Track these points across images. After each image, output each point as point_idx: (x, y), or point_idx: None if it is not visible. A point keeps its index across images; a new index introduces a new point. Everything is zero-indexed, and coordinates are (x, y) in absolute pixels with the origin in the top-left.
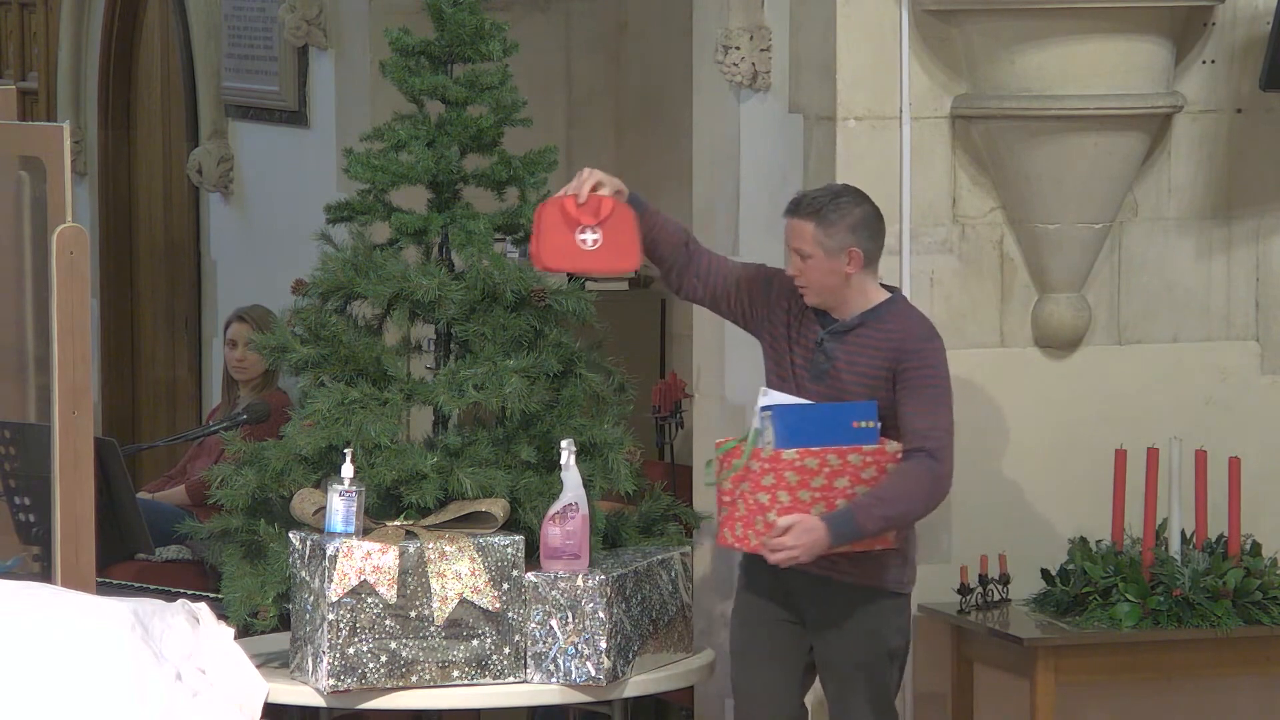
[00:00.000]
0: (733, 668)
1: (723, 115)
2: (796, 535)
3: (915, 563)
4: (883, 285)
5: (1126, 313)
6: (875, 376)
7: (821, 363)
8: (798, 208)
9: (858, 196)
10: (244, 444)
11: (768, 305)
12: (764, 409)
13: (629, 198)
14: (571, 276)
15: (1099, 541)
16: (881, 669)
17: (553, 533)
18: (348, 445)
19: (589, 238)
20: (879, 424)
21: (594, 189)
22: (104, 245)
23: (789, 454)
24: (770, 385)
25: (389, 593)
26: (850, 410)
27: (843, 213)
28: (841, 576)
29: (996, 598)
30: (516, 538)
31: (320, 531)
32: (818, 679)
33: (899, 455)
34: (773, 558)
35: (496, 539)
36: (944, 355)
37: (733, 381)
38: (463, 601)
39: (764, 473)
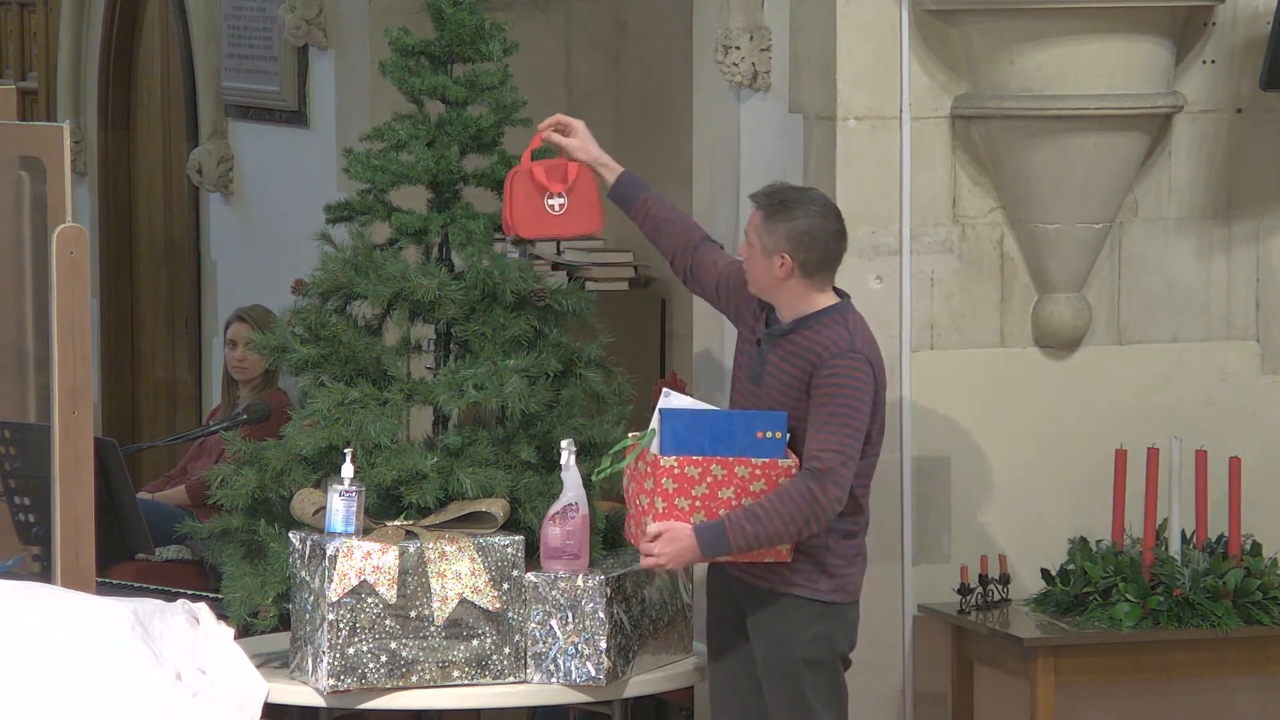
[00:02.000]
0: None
1: (723, 115)
2: (663, 543)
3: (849, 572)
4: (836, 291)
5: (1126, 313)
6: (792, 385)
7: (757, 365)
8: (760, 194)
9: (818, 207)
10: (244, 444)
11: (742, 302)
12: (661, 410)
13: (624, 177)
14: (571, 276)
15: (1099, 541)
16: (795, 676)
17: (553, 533)
18: (348, 445)
19: (555, 203)
20: (787, 436)
21: (561, 150)
22: (104, 245)
23: (667, 460)
24: (732, 380)
25: (389, 593)
26: (755, 419)
27: (788, 216)
28: (756, 581)
29: (996, 598)
30: (516, 538)
31: (320, 531)
32: None
33: (792, 470)
34: (642, 562)
35: (496, 539)
36: (861, 374)
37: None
38: (463, 601)
39: (645, 476)
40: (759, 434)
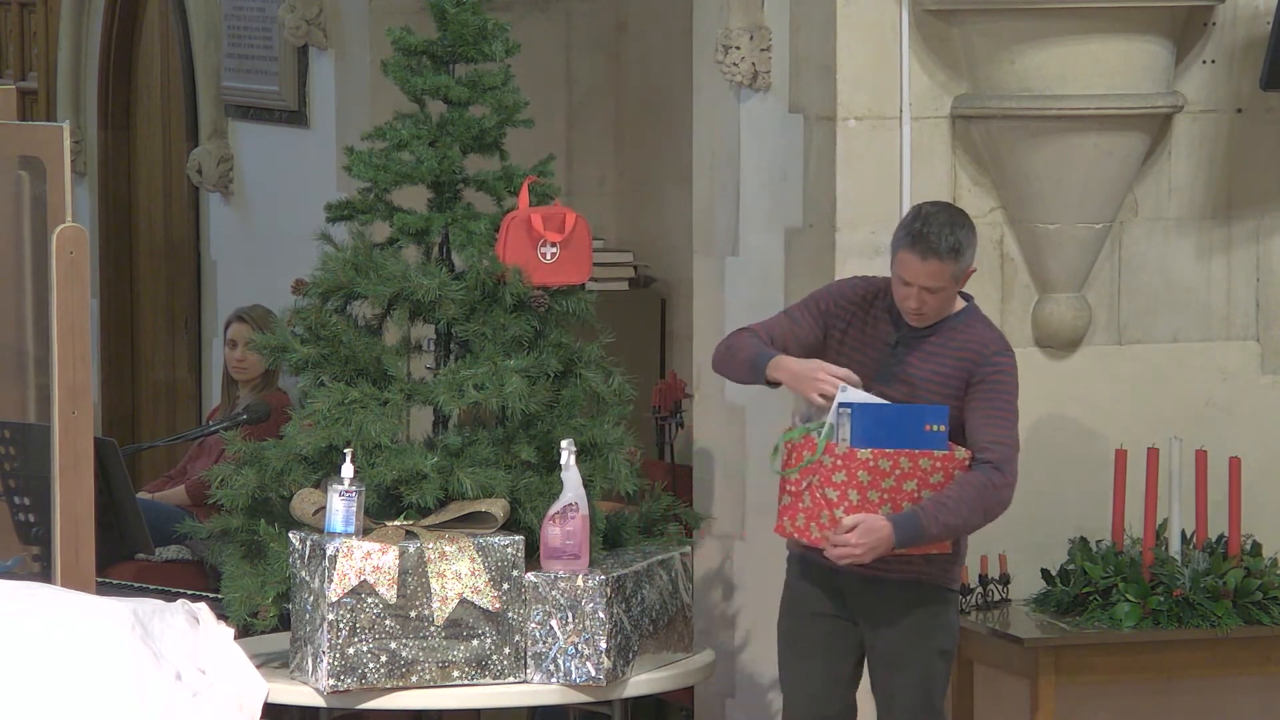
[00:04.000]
0: (780, 657)
1: (723, 115)
2: (861, 534)
3: (963, 561)
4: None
5: (1126, 313)
6: (949, 382)
7: (892, 365)
8: (933, 249)
9: (965, 216)
10: (244, 444)
11: (824, 325)
12: (842, 405)
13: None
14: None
15: (1099, 541)
16: (930, 666)
17: (553, 533)
18: (348, 445)
19: (548, 251)
20: (947, 428)
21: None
22: (104, 245)
23: (864, 453)
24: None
25: (389, 593)
26: (923, 413)
27: (970, 242)
28: (891, 574)
29: (996, 598)
30: (516, 538)
31: (320, 531)
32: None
33: (966, 463)
34: (834, 552)
35: (496, 539)
36: (1015, 370)
37: (733, 382)
38: (463, 601)
39: (836, 469)
40: (927, 427)
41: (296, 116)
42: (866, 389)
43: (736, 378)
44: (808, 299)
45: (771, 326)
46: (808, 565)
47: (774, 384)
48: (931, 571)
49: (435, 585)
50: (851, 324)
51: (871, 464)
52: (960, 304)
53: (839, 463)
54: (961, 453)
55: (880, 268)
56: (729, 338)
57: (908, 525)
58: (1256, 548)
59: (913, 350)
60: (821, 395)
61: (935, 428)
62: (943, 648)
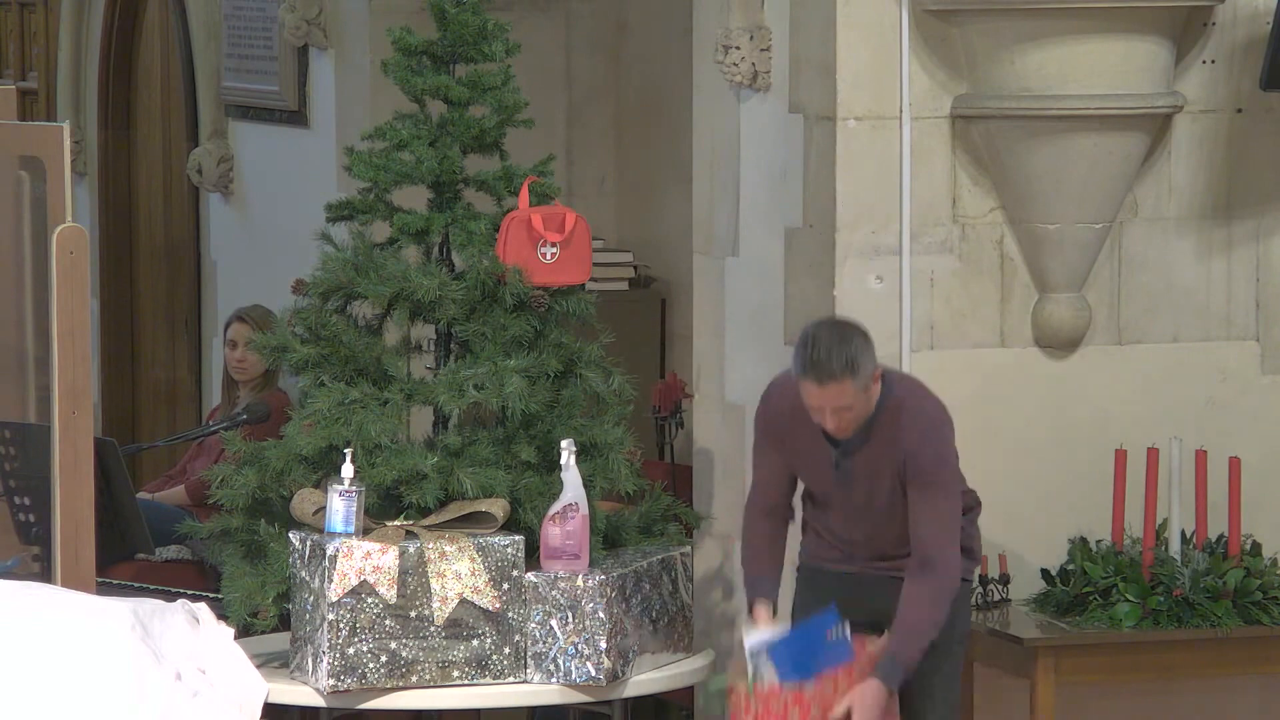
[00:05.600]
0: None
1: (723, 115)
2: (860, 709)
3: (976, 553)
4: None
5: (1126, 313)
6: (896, 479)
7: (845, 479)
8: (830, 373)
9: (853, 328)
10: (244, 444)
11: (782, 455)
12: (754, 649)
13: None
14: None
15: (1099, 541)
16: (953, 654)
17: (553, 533)
18: (348, 445)
19: (548, 251)
20: (846, 622)
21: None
22: (104, 245)
23: (791, 686)
24: (809, 492)
25: (389, 593)
26: (819, 624)
27: (864, 349)
28: (903, 573)
29: (996, 598)
30: (516, 538)
31: (320, 531)
32: None
33: (877, 653)
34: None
35: (496, 539)
36: (939, 441)
37: (733, 381)
38: (463, 601)
39: (773, 700)
40: (829, 634)
41: (296, 116)
42: (827, 503)
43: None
44: (758, 438)
45: (765, 490)
46: (822, 574)
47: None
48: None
49: (435, 585)
50: (796, 447)
51: (806, 694)
52: (878, 390)
53: (776, 701)
54: (873, 643)
55: (880, 267)
56: (743, 522)
57: (892, 670)
58: (1256, 548)
59: (855, 462)
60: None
61: (835, 633)
62: (964, 634)
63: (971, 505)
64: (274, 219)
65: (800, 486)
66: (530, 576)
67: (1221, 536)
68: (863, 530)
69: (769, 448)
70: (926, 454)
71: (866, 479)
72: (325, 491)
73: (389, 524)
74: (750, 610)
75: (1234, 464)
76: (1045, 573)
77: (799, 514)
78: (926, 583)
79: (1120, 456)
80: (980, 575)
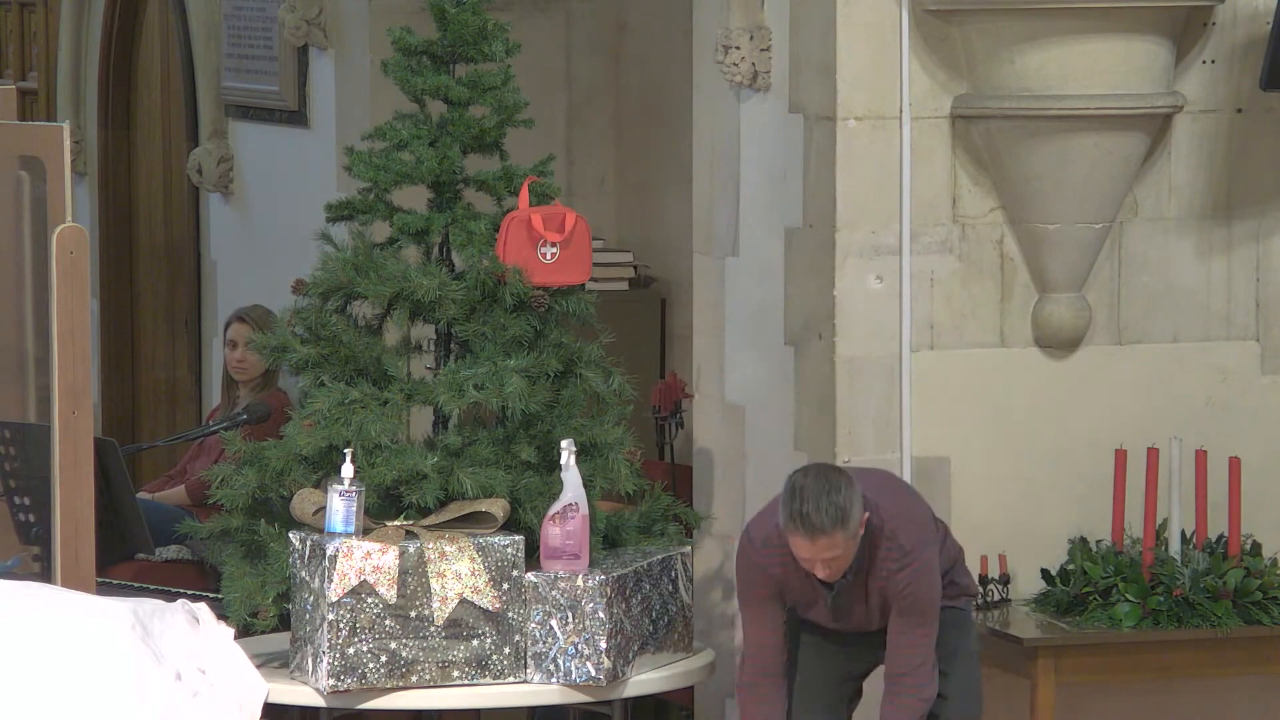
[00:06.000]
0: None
1: (723, 115)
2: None
3: (973, 589)
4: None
5: (1126, 313)
6: (886, 601)
7: (842, 612)
8: (820, 527)
9: (839, 474)
10: (244, 444)
11: (776, 593)
12: None
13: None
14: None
15: (1099, 541)
16: (975, 664)
17: (553, 533)
18: (348, 445)
19: (548, 251)
20: None
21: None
22: (104, 245)
23: None
24: (812, 626)
25: (389, 593)
26: None
27: (851, 499)
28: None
29: (996, 598)
30: (516, 538)
31: (320, 531)
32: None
33: None
34: None
35: (496, 539)
36: (924, 573)
37: (733, 381)
38: (463, 601)
39: None
40: None
41: (296, 116)
42: (825, 631)
43: None
44: (747, 596)
45: (763, 652)
46: (807, 625)
47: None
48: (953, 595)
49: (435, 585)
50: (790, 592)
51: None
52: (861, 528)
53: None
54: None
55: (880, 267)
56: (738, 686)
57: None
58: (1256, 548)
59: (850, 594)
60: None
61: None
62: (976, 648)
63: (956, 554)
64: (274, 219)
65: None
66: (530, 576)
67: (1221, 536)
68: (859, 632)
69: (763, 603)
70: (920, 593)
71: (862, 605)
72: (325, 491)
73: (389, 524)
74: None
75: (1234, 464)
76: (1045, 573)
77: None
78: (910, 700)
79: (1120, 456)
80: (980, 575)
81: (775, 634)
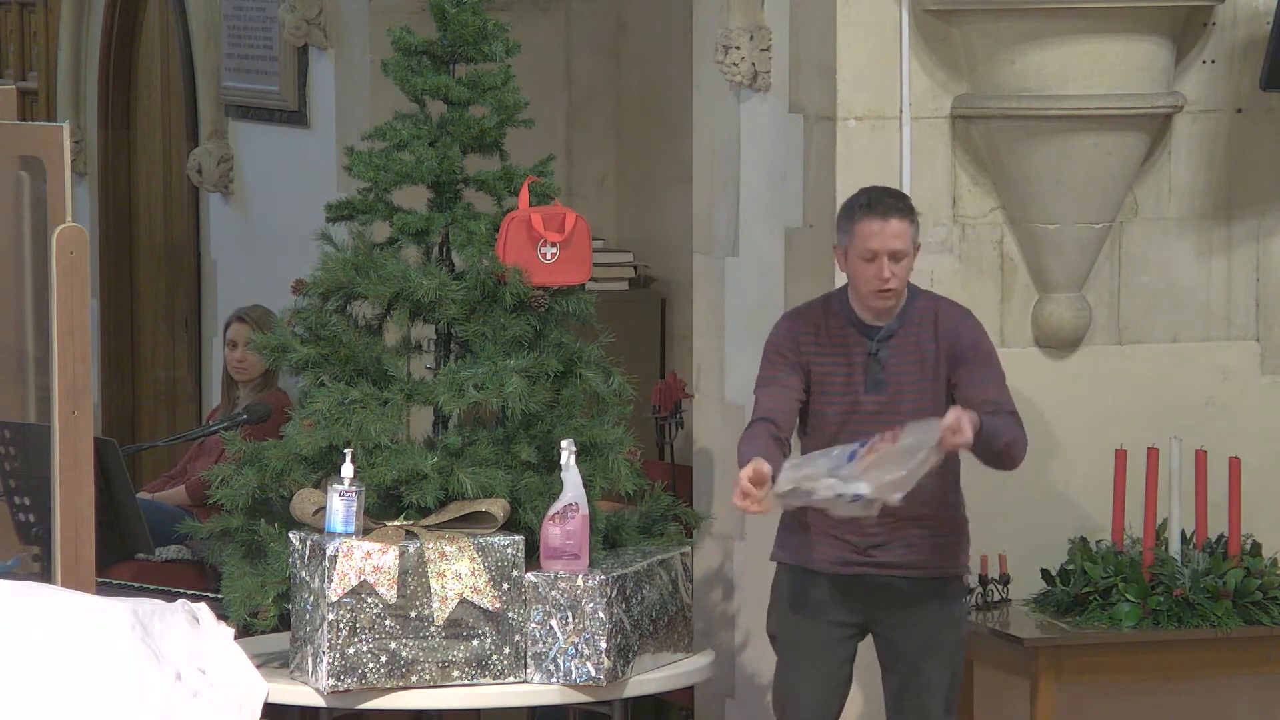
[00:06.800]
0: (784, 660)
1: (723, 115)
2: (957, 415)
3: (968, 546)
4: None
5: (1126, 313)
6: (930, 368)
7: (878, 373)
8: (893, 208)
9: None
10: (244, 444)
11: (804, 372)
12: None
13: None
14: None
15: (1099, 541)
16: (955, 654)
17: (553, 533)
18: (348, 445)
19: (548, 251)
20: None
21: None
22: (104, 245)
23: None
24: (825, 420)
25: (389, 593)
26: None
27: (913, 208)
28: (920, 571)
29: (996, 598)
30: (516, 538)
31: (320, 531)
32: (861, 686)
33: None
34: (954, 440)
35: (496, 539)
36: (980, 325)
37: (733, 381)
38: (463, 601)
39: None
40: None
41: (296, 116)
42: (855, 403)
43: None
44: (772, 358)
45: (777, 406)
46: (810, 575)
47: None
48: (963, 561)
49: (435, 585)
50: (819, 356)
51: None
52: (912, 267)
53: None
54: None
55: None
56: (743, 436)
57: (986, 423)
58: (1256, 548)
59: (892, 352)
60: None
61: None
62: (965, 634)
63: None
64: (274, 219)
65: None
66: (530, 576)
67: (1221, 536)
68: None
69: (789, 365)
70: (973, 327)
71: (899, 372)
72: (325, 491)
73: (389, 524)
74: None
75: (1234, 464)
76: (1045, 573)
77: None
78: (1014, 419)
79: (1120, 456)
80: (980, 575)
81: (786, 400)
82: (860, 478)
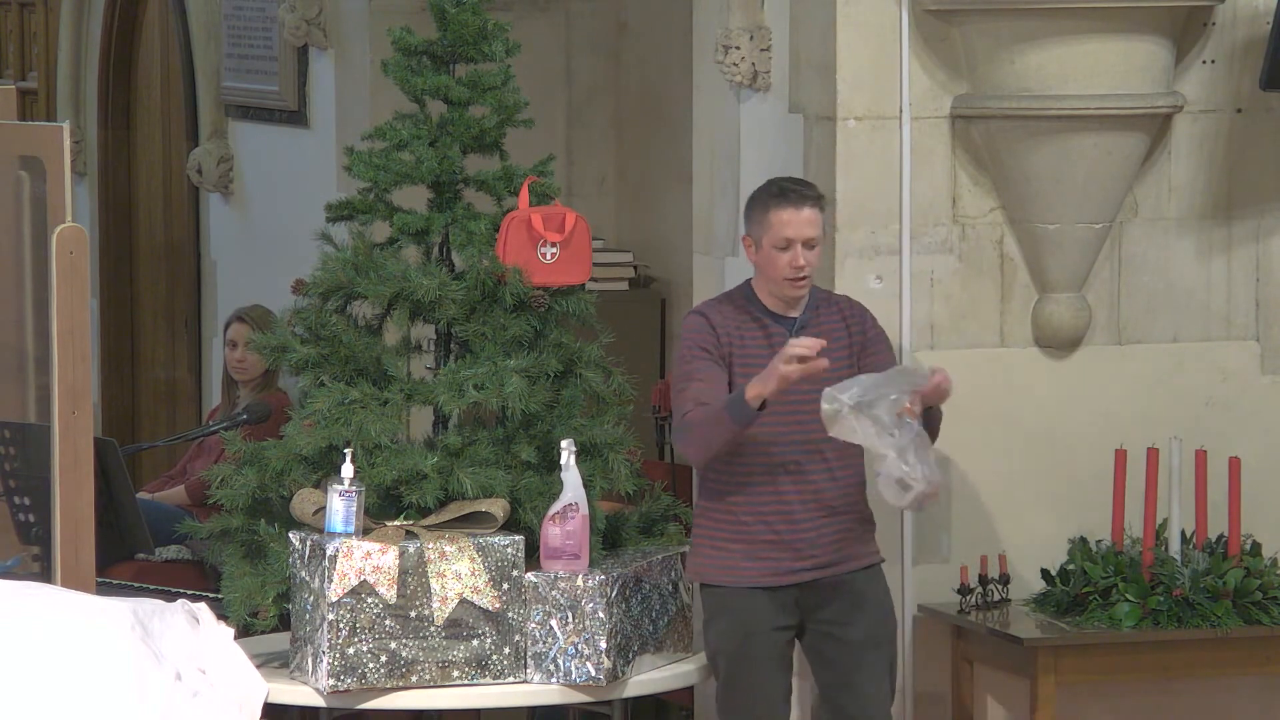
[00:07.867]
0: (741, 676)
1: (723, 115)
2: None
3: None
4: None
5: (1126, 313)
6: (843, 351)
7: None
8: (806, 197)
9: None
10: (244, 444)
11: (726, 363)
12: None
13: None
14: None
15: (1099, 541)
16: (893, 642)
17: (553, 533)
18: (348, 445)
19: (548, 251)
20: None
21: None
22: (104, 245)
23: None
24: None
25: (389, 593)
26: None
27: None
28: (857, 562)
29: (996, 598)
30: (516, 538)
31: (320, 531)
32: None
33: None
34: (948, 383)
35: (496, 539)
36: None
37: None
38: (463, 601)
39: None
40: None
41: (296, 116)
42: (780, 392)
43: (716, 445)
44: (693, 351)
45: (710, 390)
46: (745, 592)
47: (761, 409)
48: (871, 550)
49: (435, 585)
50: (736, 348)
51: None
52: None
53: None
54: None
55: (880, 267)
56: (686, 421)
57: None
58: (1256, 548)
59: (809, 335)
60: (801, 365)
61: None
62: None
63: None
64: (274, 219)
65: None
66: (530, 576)
67: (1221, 536)
68: (811, 471)
69: (712, 360)
70: (872, 316)
71: (833, 340)
72: (325, 491)
73: (389, 524)
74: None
75: (1234, 464)
76: (1045, 573)
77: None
78: None
79: (1120, 456)
80: (980, 575)
81: (718, 392)
82: (918, 460)
